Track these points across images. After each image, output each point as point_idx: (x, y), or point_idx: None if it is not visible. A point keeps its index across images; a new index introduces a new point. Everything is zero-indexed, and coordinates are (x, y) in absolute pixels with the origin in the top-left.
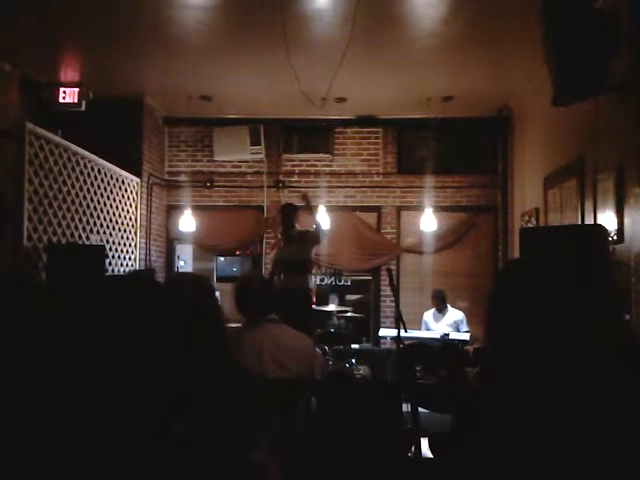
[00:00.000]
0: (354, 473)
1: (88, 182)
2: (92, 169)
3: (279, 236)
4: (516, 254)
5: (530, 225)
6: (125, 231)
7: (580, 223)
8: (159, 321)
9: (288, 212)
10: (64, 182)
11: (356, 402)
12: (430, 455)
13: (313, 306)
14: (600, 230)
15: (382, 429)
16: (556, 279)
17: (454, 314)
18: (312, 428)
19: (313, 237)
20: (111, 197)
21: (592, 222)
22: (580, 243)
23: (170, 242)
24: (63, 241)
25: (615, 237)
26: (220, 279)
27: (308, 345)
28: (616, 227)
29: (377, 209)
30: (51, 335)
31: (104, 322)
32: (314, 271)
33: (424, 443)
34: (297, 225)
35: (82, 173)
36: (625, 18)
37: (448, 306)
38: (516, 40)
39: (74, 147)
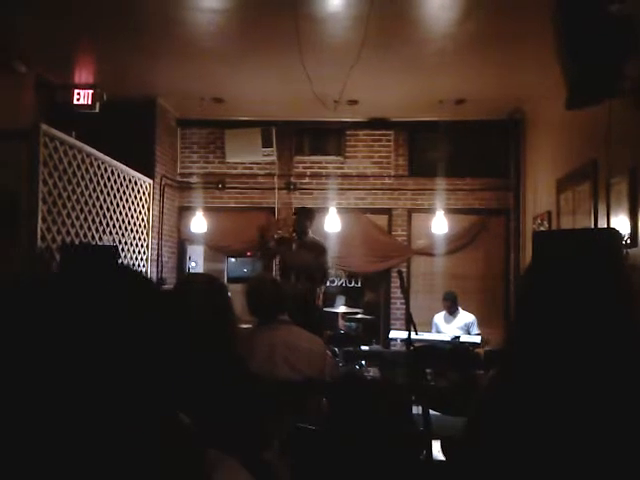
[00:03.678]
0: (364, 475)
1: (101, 183)
2: (105, 170)
3: (284, 237)
4: (528, 257)
5: (542, 228)
6: (137, 232)
7: (593, 227)
8: (171, 321)
9: (303, 216)
10: (78, 183)
11: (366, 404)
12: (442, 458)
13: (317, 312)
14: (614, 234)
15: (393, 431)
16: (577, 284)
17: (465, 317)
18: (323, 430)
19: (324, 251)
20: (124, 198)
21: (605, 226)
22: (594, 247)
23: (182, 243)
24: (76, 241)
25: (629, 241)
26: (231, 280)
27: (320, 347)
28: (629, 231)
29: (388, 211)
30: (60, 331)
31: (112, 318)
32: (325, 281)
33: (435, 446)
34: (310, 232)
35: (95, 174)
36: None
37: (459, 308)
38: (529, 43)
39: (88, 148)
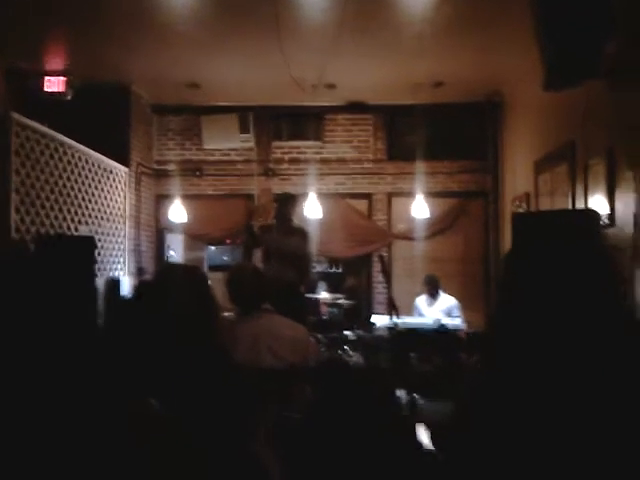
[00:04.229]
0: (350, 461)
1: (76, 172)
2: (79, 159)
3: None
4: (507, 239)
5: (521, 210)
6: (114, 221)
7: (571, 207)
8: (151, 314)
9: (284, 202)
10: (51, 173)
11: (350, 390)
12: (427, 443)
13: (301, 299)
14: (592, 214)
15: (378, 417)
16: (558, 265)
17: (447, 300)
18: (307, 417)
19: (307, 238)
20: (99, 187)
21: (583, 206)
22: (573, 228)
23: (160, 232)
24: (52, 232)
25: (607, 221)
26: (211, 268)
27: (303, 334)
28: (607, 211)
29: (368, 196)
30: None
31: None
32: (309, 268)
33: (421, 431)
34: (294, 218)
35: (69, 163)
36: (617, 2)
37: (440, 292)
38: (507, 25)
39: (61, 137)
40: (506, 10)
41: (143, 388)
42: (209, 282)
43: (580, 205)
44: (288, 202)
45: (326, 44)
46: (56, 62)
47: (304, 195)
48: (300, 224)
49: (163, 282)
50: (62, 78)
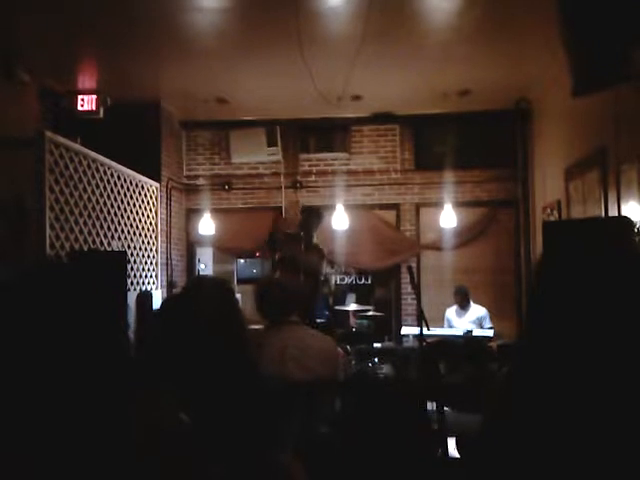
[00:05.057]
0: (379, 474)
1: (108, 188)
2: (112, 175)
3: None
4: (538, 248)
5: (552, 218)
6: (146, 236)
7: (604, 215)
8: (181, 325)
9: (309, 215)
10: (84, 189)
11: (380, 402)
12: (457, 455)
13: (313, 310)
14: (626, 222)
15: (407, 429)
16: (590, 274)
17: (477, 310)
18: (336, 429)
19: (324, 257)
20: (131, 203)
21: (616, 213)
22: (606, 235)
23: (190, 246)
24: (85, 248)
25: None
26: (241, 281)
27: (331, 346)
28: None
29: (396, 207)
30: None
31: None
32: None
33: (451, 443)
34: (315, 235)
35: (102, 180)
36: None
37: (471, 302)
38: (533, 30)
39: (93, 154)
40: (531, 16)
41: (171, 400)
42: (236, 295)
43: (613, 212)
44: (312, 217)
45: (350, 56)
46: (88, 82)
47: (332, 207)
48: (318, 243)
49: (190, 295)
50: (94, 97)
